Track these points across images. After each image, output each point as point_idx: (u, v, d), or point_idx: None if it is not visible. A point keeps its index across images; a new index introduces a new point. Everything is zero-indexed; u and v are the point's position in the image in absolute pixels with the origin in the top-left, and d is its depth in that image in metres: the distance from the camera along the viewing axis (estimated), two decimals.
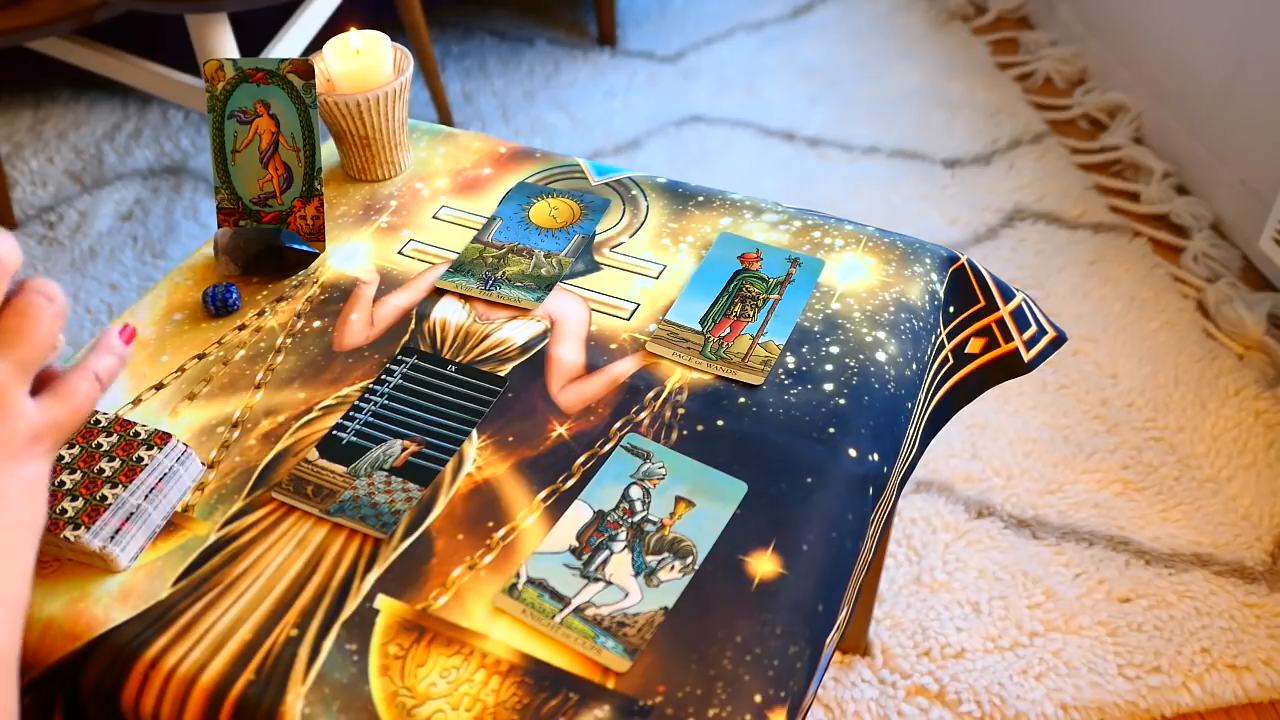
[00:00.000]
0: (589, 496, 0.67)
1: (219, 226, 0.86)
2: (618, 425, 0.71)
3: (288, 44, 1.56)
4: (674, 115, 2.02)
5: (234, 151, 0.86)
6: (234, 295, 0.81)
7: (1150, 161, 1.83)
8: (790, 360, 0.75)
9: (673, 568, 0.63)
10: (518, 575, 0.63)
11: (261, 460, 0.70)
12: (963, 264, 0.84)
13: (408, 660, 0.59)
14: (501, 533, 0.65)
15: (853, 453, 0.70)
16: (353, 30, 0.89)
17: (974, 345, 0.85)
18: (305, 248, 0.84)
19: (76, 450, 0.66)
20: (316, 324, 0.80)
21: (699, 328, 0.78)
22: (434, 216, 0.89)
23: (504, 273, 0.83)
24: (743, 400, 0.72)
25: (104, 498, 0.64)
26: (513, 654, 0.59)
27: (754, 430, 0.70)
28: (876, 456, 0.71)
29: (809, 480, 0.67)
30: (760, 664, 0.59)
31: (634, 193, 0.91)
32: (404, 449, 0.70)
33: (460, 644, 0.60)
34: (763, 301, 0.79)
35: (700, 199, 0.90)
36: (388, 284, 0.83)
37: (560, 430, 0.71)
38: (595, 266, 0.84)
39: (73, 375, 0.51)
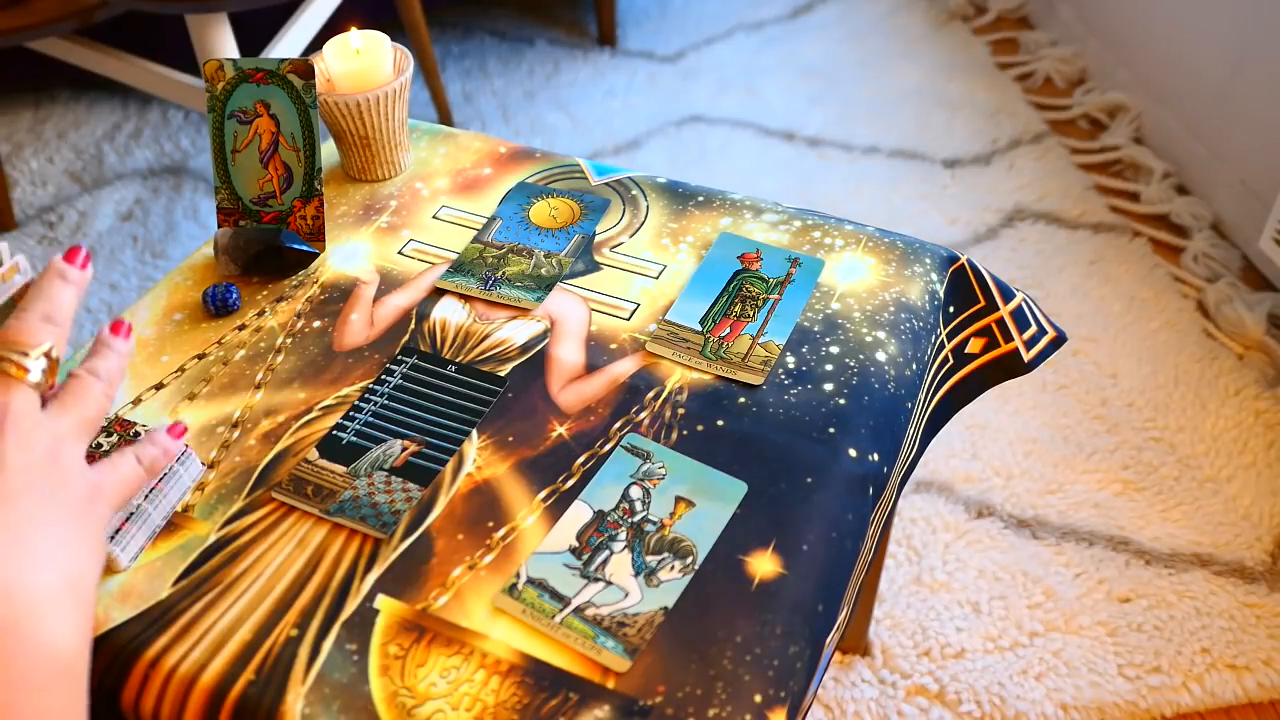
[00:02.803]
0: (589, 496, 0.67)
1: (219, 226, 0.86)
2: (618, 425, 0.71)
3: (288, 44, 1.56)
4: (674, 115, 2.02)
5: (234, 151, 0.86)
6: (234, 295, 0.81)
7: (1150, 161, 1.83)
8: (790, 360, 0.75)
9: (673, 568, 0.63)
10: (518, 575, 0.63)
11: (261, 460, 0.70)
12: (963, 264, 0.84)
13: (408, 660, 0.59)
14: (501, 533, 0.65)
15: (853, 453, 0.70)
16: (353, 30, 0.89)
17: (974, 345, 0.85)
18: (305, 248, 0.84)
19: None
20: (316, 324, 0.80)
21: (699, 328, 0.78)
22: (434, 216, 0.89)
23: (504, 273, 0.83)
24: (743, 400, 0.72)
25: None
26: (513, 654, 0.59)
27: (754, 430, 0.70)
28: (876, 456, 0.71)
29: (809, 480, 0.67)
30: (760, 664, 0.59)
31: (634, 193, 0.91)
32: (404, 449, 0.70)
33: (460, 644, 0.60)
34: (763, 301, 0.79)
35: (700, 199, 0.90)
36: (388, 284, 0.83)
37: (560, 430, 0.71)
38: (595, 266, 0.84)
39: (82, 377, 0.55)
